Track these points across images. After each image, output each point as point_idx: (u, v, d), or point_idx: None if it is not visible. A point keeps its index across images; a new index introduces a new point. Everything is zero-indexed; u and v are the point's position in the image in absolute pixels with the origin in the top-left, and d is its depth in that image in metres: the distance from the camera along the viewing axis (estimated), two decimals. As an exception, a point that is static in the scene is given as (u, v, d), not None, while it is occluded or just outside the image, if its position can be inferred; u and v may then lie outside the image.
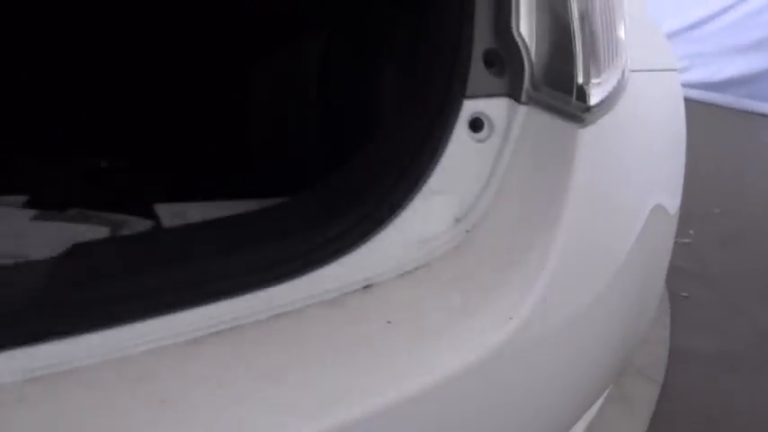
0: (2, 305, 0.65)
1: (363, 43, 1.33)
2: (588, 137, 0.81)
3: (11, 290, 0.69)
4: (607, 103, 0.83)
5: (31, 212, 1.28)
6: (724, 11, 5.69)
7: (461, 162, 0.83)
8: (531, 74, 0.85)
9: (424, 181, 0.80)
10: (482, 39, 0.87)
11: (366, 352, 0.67)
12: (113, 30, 1.63)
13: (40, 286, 0.69)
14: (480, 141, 0.84)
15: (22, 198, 1.34)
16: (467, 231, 0.82)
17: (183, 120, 1.64)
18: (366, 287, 0.76)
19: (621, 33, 0.86)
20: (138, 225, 1.26)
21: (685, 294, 2.55)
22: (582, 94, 0.80)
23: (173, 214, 1.33)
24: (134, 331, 0.63)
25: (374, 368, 0.66)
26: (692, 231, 3.00)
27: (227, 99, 1.61)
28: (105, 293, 0.66)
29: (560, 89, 0.82)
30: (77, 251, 0.78)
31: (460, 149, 0.83)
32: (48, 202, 1.35)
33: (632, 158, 0.93)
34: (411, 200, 0.79)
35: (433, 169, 0.80)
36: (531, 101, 0.85)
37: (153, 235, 1.08)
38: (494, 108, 0.85)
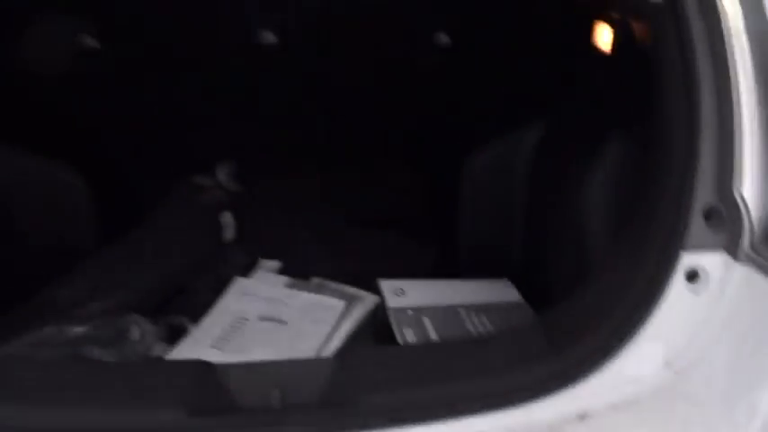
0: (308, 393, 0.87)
1: (575, 152, 1.45)
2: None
3: (306, 382, 0.91)
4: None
5: (284, 279, 1.55)
6: None
7: (676, 311, 0.92)
8: (751, 234, 0.93)
9: (640, 328, 0.91)
10: (704, 194, 0.96)
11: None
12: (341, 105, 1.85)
13: (329, 384, 0.90)
14: (695, 293, 0.93)
15: (276, 264, 1.63)
16: (675, 373, 0.92)
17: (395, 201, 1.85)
18: (581, 417, 0.89)
19: None
20: (368, 301, 1.48)
21: None
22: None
23: (394, 290, 1.54)
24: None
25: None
26: None
27: (440, 184, 1.81)
28: (385, 400, 0.86)
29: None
30: (355, 355, 0.99)
31: (676, 299, 0.93)
32: (293, 267, 1.63)
33: None
34: (627, 344, 0.90)
35: (648, 317, 0.91)
36: (749, 259, 0.93)
37: (410, 349, 1.27)
38: (710, 262, 0.94)
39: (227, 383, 0.91)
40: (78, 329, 1.28)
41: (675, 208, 0.96)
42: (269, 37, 1.49)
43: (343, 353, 1.15)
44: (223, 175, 1.80)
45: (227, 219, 1.74)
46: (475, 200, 1.70)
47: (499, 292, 1.61)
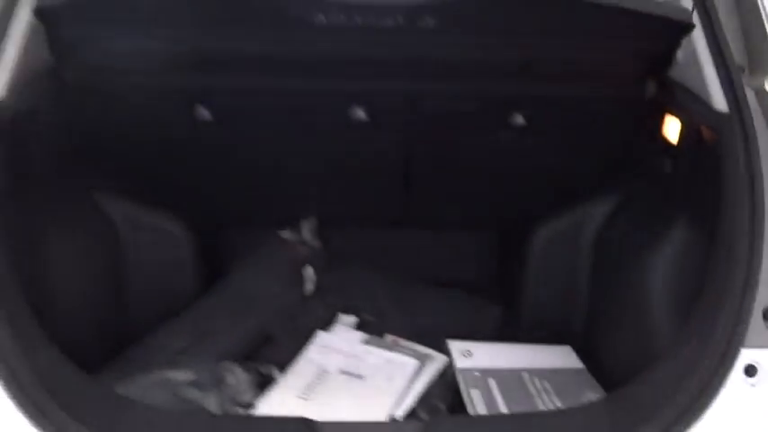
0: None
1: (641, 234, 1.55)
2: None
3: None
4: None
5: (360, 335, 1.69)
6: None
7: (734, 402, 1.02)
8: (806, 335, 1.02)
9: (700, 416, 1.01)
10: (764, 296, 1.06)
11: None
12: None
13: None
14: (752, 386, 1.03)
15: (353, 319, 1.76)
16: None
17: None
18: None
19: None
20: (438, 361, 1.60)
21: None
22: None
23: (462, 351, 1.66)
24: None
25: None
26: None
27: (509, 251, 1.93)
28: None
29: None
30: (437, 423, 1.11)
31: (734, 391, 1.02)
32: (368, 321, 1.77)
33: None
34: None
35: (708, 407, 1.01)
36: (805, 359, 1.02)
37: (487, 419, 1.40)
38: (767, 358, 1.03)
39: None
40: (182, 375, 1.44)
41: (738, 307, 1.06)
42: (360, 114, 1.65)
43: (428, 421, 1.27)
44: (306, 231, 1.95)
45: (309, 273, 1.89)
46: (540, 268, 1.81)
47: (561, 358, 1.71)
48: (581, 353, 1.69)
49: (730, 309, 1.07)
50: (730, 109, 1.22)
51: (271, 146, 1.75)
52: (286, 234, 1.95)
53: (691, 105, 1.35)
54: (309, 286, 1.89)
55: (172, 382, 1.41)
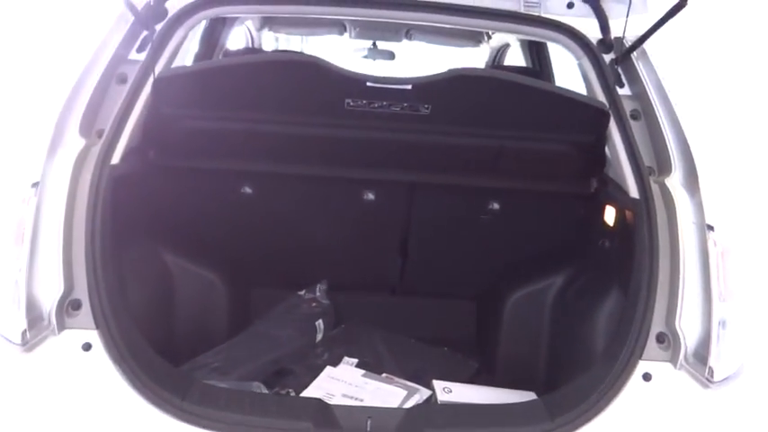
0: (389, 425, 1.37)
1: (587, 296, 1.98)
2: (715, 398, 1.35)
3: (388, 419, 1.41)
4: (731, 378, 1.37)
5: (361, 371, 2.07)
6: None
7: (634, 397, 1.41)
8: (686, 352, 1.43)
9: (608, 406, 1.40)
10: (658, 325, 1.48)
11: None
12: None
13: (404, 421, 1.40)
14: (647, 387, 1.42)
15: (355, 360, 2.15)
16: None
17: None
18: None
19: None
20: (423, 393, 1.98)
21: None
22: (711, 372, 1.36)
23: (443, 388, 2.03)
24: None
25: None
26: None
27: (486, 314, 2.35)
28: None
29: (700, 364, 1.39)
30: (421, 408, 1.50)
31: (634, 390, 1.42)
32: (367, 364, 2.16)
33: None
34: (598, 416, 1.39)
35: (614, 399, 1.40)
36: (683, 368, 1.42)
37: (459, 407, 1.80)
38: (658, 369, 1.44)
39: (337, 413, 1.43)
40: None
41: (638, 333, 1.48)
42: (369, 196, 2.13)
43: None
44: (319, 292, 2.38)
45: (320, 325, 2.30)
46: (511, 328, 2.22)
47: (524, 399, 2.07)
48: (542, 393, 2.06)
49: (633, 335, 1.49)
50: (640, 195, 1.69)
51: (294, 220, 2.22)
52: (303, 294, 2.37)
53: (618, 195, 1.82)
54: (319, 336, 2.29)
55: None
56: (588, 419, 1.38)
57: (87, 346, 1.47)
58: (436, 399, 1.98)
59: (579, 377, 1.55)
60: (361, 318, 2.39)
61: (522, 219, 2.18)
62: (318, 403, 1.47)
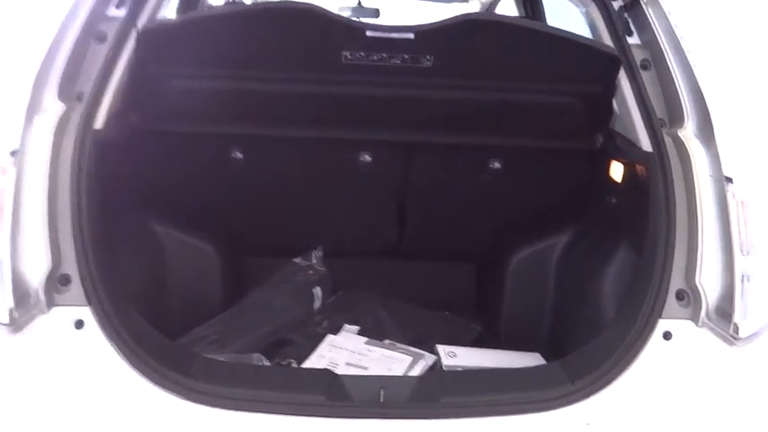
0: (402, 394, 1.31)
1: (593, 255, 1.93)
2: (740, 356, 1.31)
3: (400, 388, 1.36)
4: (757, 334, 1.33)
5: (363, 339, 2.01)
6: None
7: (655, 356, 1.36)
8: (707, 308, 1.38)
9: (630, 365, 1.35)
10: (676, 282, 1.42)
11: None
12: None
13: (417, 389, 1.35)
14: (669, 346, 1.38)
15: (356, 328, 2.09)
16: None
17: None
18: (587, 424, 1.32)
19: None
20: (428, 358, 1.92)
21: None
22: (736, 329, 1.31)
23: (448, 353, 1.98)
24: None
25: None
26: None
27: (488, 276, 2.30)
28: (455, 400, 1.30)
29: (724, 321, 1.34)
30: (433, 375, 1.44)
31: (656, 349, 1.37)
32: (369, 331, 2.09)
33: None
34: (620, 377, 1.34)
35: (636, 359, 1.36)
36: (704, 325, 1.37)
37: (473, 373, 1.75)
38: (679, 327, 1.39)
39: (347, 384, 1.37)
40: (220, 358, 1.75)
41: (657, 291, 1.43)
42: (366, 157, 2.04)
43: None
44: (315, 258, 2.30)
45: (318, 292, 2.23)
46: (515, 289, 2.17)
47: (530, 361, 2.03)
48: (547, 355, 2.02)
49: (653, 292, 1.43)
50: (653, 149, 1.62)
51: (287, 185, 2.12)
52: (298, 261, 2.29)
53: (628, 149, 1.75)
54: (317, 304, 2.22)
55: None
56: (609, 381, 1.33)
57: (79, 324, 1.38)
58: (441, 364, 1.93)
59: (595, 338, 1.49)
60: (358, 284, 2.33)
61: (525, 177, 2.11)
62: (328, 374, 1.41)
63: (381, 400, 1.32)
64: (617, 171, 1.92)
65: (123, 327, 1.36)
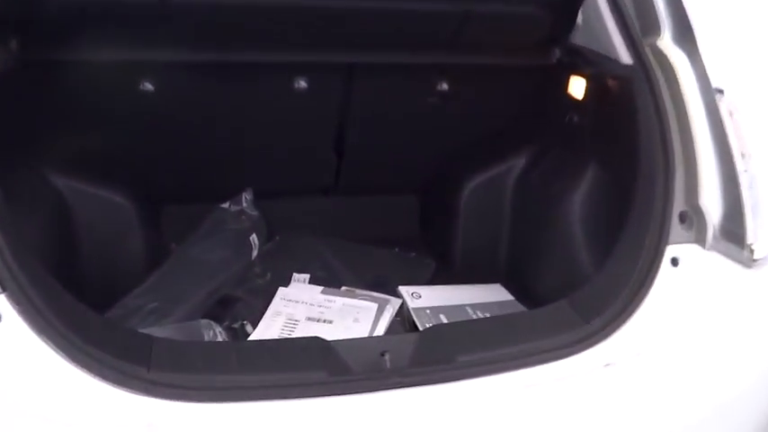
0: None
1: (556, 177, 1.82)
2: (754, 277, 1.25)
3: (402, 350, 1.19)
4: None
5: (318, 288, 1.81)
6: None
7: (667, 285, 1.28)
8: (713, 230, 1.30)
9: (644, 299, 1.26)
10: (678, 204, 1.33)
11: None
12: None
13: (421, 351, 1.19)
14: (678, 272, 1.30)
15: (306, 276, 1.88)
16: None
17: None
18: (606, 365, 1.22)
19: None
20: (394, 303, 1.77)
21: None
22: (750, 251, 1.24)
23: (411, 294, 1.84)
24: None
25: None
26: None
27: (439, 206, 2.15)
28: (467, 358, 1.15)
29: (735, 243, 1.27)
30: (433, 330, 1.28)
31: (666, 278, 1.28)
32: (320, 279, 1.90)
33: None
34: (635, 312, 1.25)
35: (649, 291, 1.26)
36: (712, 247, 1.30)
37: (473, 323, 1.63)
38: (686, 252, 1.31)
39: (343, 353, 1.18)
40: (163, 333, 1.49)
41: (660, 215, 1.33)
42: (302, 83, 1.78)
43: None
44: (246, 202, 2.04)
45: (254, 240, 1.98)
46: (468, 219, 2.04)
47: (494, 293, 1.94)
48: (507, 286, 1.93)
49: (655, 217, 1.33)
50: (634, 61, 1.49)
51: (209, 120, 1.82)
52: (227, 206, 2.02)
53: (597, 63, 1.62)
54: (255, 253, 1.98)
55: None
56: (628, 316, 1.23)
57: None
58: (408, 307, 1.79)
59: (596, 275, 1.39)
60: (296, 226, 2.10)
61: (473, 99, 1.94)
62: (319, 343, 1.20)
63: (388, 366, 1.15)
64: (577, 87, 1.79)
65: (55, 314, 1.06)
